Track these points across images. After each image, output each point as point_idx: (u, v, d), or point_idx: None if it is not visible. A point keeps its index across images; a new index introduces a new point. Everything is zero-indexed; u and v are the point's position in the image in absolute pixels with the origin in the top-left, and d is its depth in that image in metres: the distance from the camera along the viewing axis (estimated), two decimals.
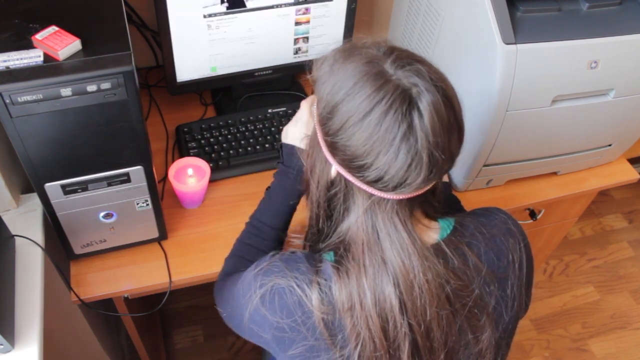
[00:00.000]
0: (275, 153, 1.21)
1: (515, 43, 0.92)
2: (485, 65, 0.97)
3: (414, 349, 0.70)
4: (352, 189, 0.70)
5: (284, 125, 1.24)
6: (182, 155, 1.18)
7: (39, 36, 0.74)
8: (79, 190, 0.86)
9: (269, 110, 1.27)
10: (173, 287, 1.03)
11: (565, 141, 1.16)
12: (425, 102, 0.63)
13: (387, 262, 0.68)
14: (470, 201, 1.20)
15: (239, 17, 1.15)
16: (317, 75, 0.71)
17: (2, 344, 0.81)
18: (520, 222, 1.45)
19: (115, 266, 1.02)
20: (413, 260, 0.68)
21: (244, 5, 1.13)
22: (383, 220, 0.68)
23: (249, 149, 1.20)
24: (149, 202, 0.94)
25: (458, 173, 1.17)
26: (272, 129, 1.24)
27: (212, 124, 1.23)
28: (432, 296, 0.68)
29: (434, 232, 0.75)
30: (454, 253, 0.72)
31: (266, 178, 1.17)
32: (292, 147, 0.93)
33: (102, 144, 0.81)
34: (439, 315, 0.70)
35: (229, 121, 1.24)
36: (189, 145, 1.19)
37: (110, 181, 0.87)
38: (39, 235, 0.97)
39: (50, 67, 0.72)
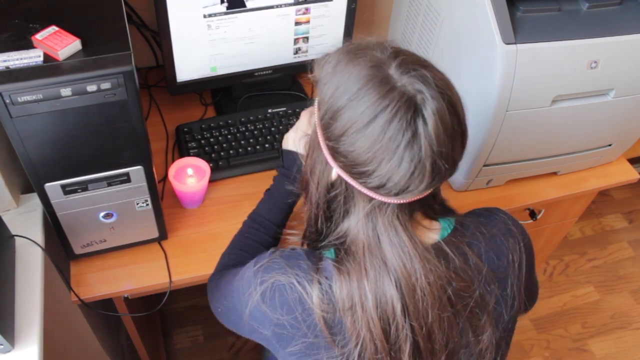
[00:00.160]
0: (275, 153, 1.21)
1: (515, 43, 0.92)
2: (485, 65, 0.97)
3: (415, 351, 0.70)
4: (353, 192, 0.69)
5: (284, 125, 1.24)
6: (182, 155, 1.18)
7: (39, 36, 0.74)
8: (79, 190, 0.86)
9: (269, 110, 1.27)
10: (173, 287, 1.03)
11: (565, 141, 1.16)
12: (430, 110, 0.62)
13: (388, 265, 0.68)
14: (470, 201, 1.20)
15: (239, 17, 1.15)
16: (319, 75, 0.70)
17: (2, 344, 0.81)
18: (520, 222, 1.45)
19: (115, 266, 1.02)
20: (415, 263, 0.67)
21: (244, 5, 1.13)
22: (384, 224, 0.68)
23: (249, 149, 1.20)
24: (149, 202, 0.94)
25: (458, 173, 1.17)
26: (272, 129, 1.24)
27: (212, 124, 1.23)
28: (434, 299, 0.68)
29: (434, 232, 0.75)
30: (455, 253, 0.72)
31: (266, 178, 1.17)
32: (292, 153, 0.94)
33: (102, 144, 0.81)
34: (440, 317, 0.70)
35: (229, 121, 1.24)
36: (189, 145, 1.19)
37: (110, 181, 0.87)
38: (39, 235, 0.97)
39: (50, 67, 0.72)
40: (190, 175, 1.09)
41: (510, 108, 0.99)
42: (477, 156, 1.08)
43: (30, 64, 0.72)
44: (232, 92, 1.34)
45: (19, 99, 0.70)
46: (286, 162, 0.96)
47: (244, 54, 1.22)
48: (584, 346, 1.93)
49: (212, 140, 1.21)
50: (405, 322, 0.68)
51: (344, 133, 0.65)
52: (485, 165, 1.13)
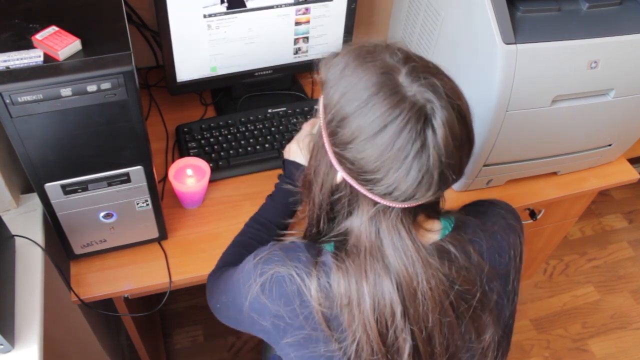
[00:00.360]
0: (275, 153, 1.21)
1: (515, 43, 0.92)
2: (485, 65, 0.97)
3: (415, 355, 0.69)
4: (357, 195, 0.69)
5: (284, 125, 1.24)
6: (182, 155, 1.18)
7: (39, 36, 0.74)
8: (79, 190, 0.86)
9: (269, 110, 1.27)
10: (173, 287, 1.03)
11: (565, 141, 1.16)
12: (439, 120, 0.62)
13: (390, 268, 0.68)
14: (470, 201, 1.20)
15: (239, 17, 1.15)
16: (326, 77, 0.69)
17: (2, 344, 0.81)
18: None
19: (115, 266, 1.02)
20: (417, 267, 0.67)
21: (244, 5, 1.13)
22: (387, 227, 0.68)
23: (249, 149, 1.20)
24: (149, 202, 0.94)
25: None
26: (272, 129, 1.24)
27: (212, 124, 1.23)
28: (435, 303, 0.68)
29: (436, 233, 0.75)
30: (458, 251, 0.72)
31: (266, 178, 1.17)
32: (294, 164, 0.96)
33: (102, 144, 0.81)
34: (441, 321, 0.69)
35: (229, 121, 1.24)
36: (189, 145, 1.19)
37: (110, 181, 0.87)
38: (39, 235, 0.97)
39: (50, 67, 0.72)
40: (190, 175, 1.09)
41: (510, 108, 0.99)
42: (477, 156, 1.08)
43: (31, 64, 0.72)
44: (232, 92, 1.34)
45: (19, 99, 0.70)
46: (288, 172, 0.97)
47: (244, 54, 1.22)
48: (584, 346, 1.93)
49: (212, 140, 1.21)
50: (404, 325, 0.67)
51: (351, 141, 0.64)
52: (485, 165, 1.13)
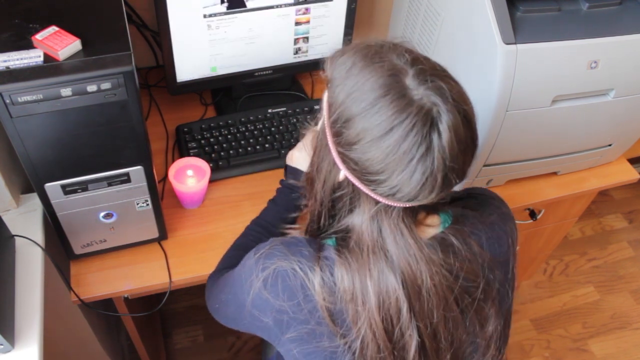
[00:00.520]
0: (275, 153, 1.21)
1: (515, 43, 0.92)
2: (485, 65, 0.97)
3: (421, 351, 0.70)
4: (359, 194, 0.69)
5: (284, 125, 1.24)
6: (182, 155, 1.18)
7: (39, 36, 0.74)
8: (79, 190, 0.86)
9: (269, 110, 1.27)
10: (173, 287, 1.03)
11: (565, 141, 1.16)
12: (445, 124, 0.62)
13: (394, 266, 0.68)
14: None
15: (239, 17, 1.15)
16: (332, 75, 0.68)
17: (2, 344, 0.81)
18: (520, 222, 1.45)
19: (115, 266, 1.02)
20: (421, 265, 0.67)
21: (244, 5, 1.13)
22: (389, 226, 0.68)
23: (249, 149, 1.20)
24: (149, 202, 0.94)
25: None
26: (272, 129, 1.24)
27: (212, 124, 1.23)
28: (439, 299, 0.68)
29: (436, 227, 0.75)
30: (460, 242, 0.72)
31: (266, 178, 1.17)
32: (296, 171, 0.96)
33: (102, 144, 0.81)
34: (445, 317, 0.70)
35: (229, 121, 1.24)
36: (189, 145, 1.19)
37: (110, 181, 0.87)
38: (39, 235, 0.97)
39: (50, 67, 0.72)
40: (190, 175, 1.09)
41: (510, 108, 0.99)
42: (477, 156, 1.08)
43: (31, 64, 0.72)
44: (232, 92, 1.34)
45: (19, 99, 0.70)
46: (290, 179, 0.97)
47: (244, 54, 1.22)
48: (584, 346, 1.93)
49: (212, 140, 1.21)
50: (410, 322, 0.68)
51: (356, 142, 0.64)
52: (485, 165, 1.13)
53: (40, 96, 0.71)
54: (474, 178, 1.16)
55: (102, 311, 1.19)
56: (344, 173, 0.68)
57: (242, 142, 1.21)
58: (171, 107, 1.31)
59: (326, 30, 1.26)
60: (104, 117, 0.77)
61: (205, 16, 1.12)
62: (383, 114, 0.62)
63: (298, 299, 0.70)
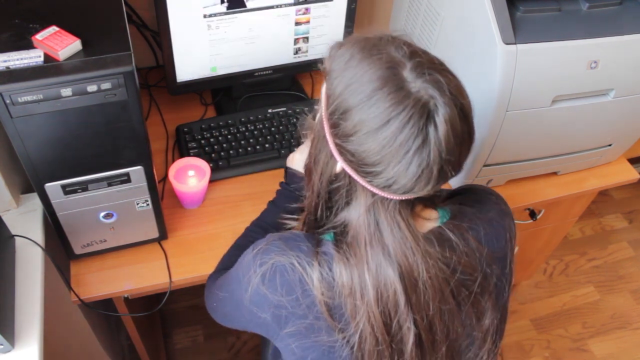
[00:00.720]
0: (275, 153, 1.21)
1: (515, 43, 0.92)
2: (485, 65, 0.97)
3: (418, 342, 0.70)
4: (356, 186, 0.69)
5: (284, 125, 1.24)
6: (182, 155, 1.18)
7: (39, 36, 0.74)
8: (79, 190, 0.86)
9: (269, 110, 1.27)
10: (173, 287, 1.03)
11: (565, 141, 1.16)
12: (441, 117, 0.62)
13: (391, 259, 0.68)
14: None
15: (239, 17, 1.15)
16: (330, 67, 0.69)
17: (2, 344, 0.81)
18: (520, 222, 1.45)
19: (115, 266, 1.02)
20: (417, 258, 0.68)
21: (244, 5, 1.13)
22: (386, 219, 0.68)
23: (249, 149, 1.20)
24: (149, 202, 0.94)
25: None
26: (272, 129, 1.24)
27: (212, 124, 1.23)
28: (435, 292, 0.69)
29: (434, 221, 0.75)
30: (457, 237, 0.72)
31: (266, 178, 1.17)
32: (297, 174, 0.96)
33: (102, 144, 0.81)
34: (441, 309, 0.70)
35: (229, 121, 1.24)
36: (189, 145, 1.19)
37: (111, 181, 0.87)
38: (39, 235, 0.97)
39: (50, 67, 0.72)
40: (190, 175, 1.09)
41: (510, 108, 0.99)
42: (477, 156, 1.08)
43: (31, 64, 0.72)
44: (232, 92, 1.34)
45: (19, 99, 0.70)
46: (290, 181, 0.97)
47: (244, 54, 1.22)
48: (584, 346, 1.93)
49: (212, 140, 1.21)
50: (408, 315, 0.68)
51: (353, 133, 0.64)
52: (485, 165, 1.13)
53: (41, 96, 0.71)
54: (474, 178, 1.16)
55: (102, 311, 1.19)
56: (340, 165, 0.69)
57: (242, 142, 1.21)
58: (171, 107, 1.31)
59: (326, 31, 1.26)
60: (104, 117, 0.77)
61: (205, 16, 1.12)
62: (380, 105, 0.62)
63: (296, 293, 0.70)
